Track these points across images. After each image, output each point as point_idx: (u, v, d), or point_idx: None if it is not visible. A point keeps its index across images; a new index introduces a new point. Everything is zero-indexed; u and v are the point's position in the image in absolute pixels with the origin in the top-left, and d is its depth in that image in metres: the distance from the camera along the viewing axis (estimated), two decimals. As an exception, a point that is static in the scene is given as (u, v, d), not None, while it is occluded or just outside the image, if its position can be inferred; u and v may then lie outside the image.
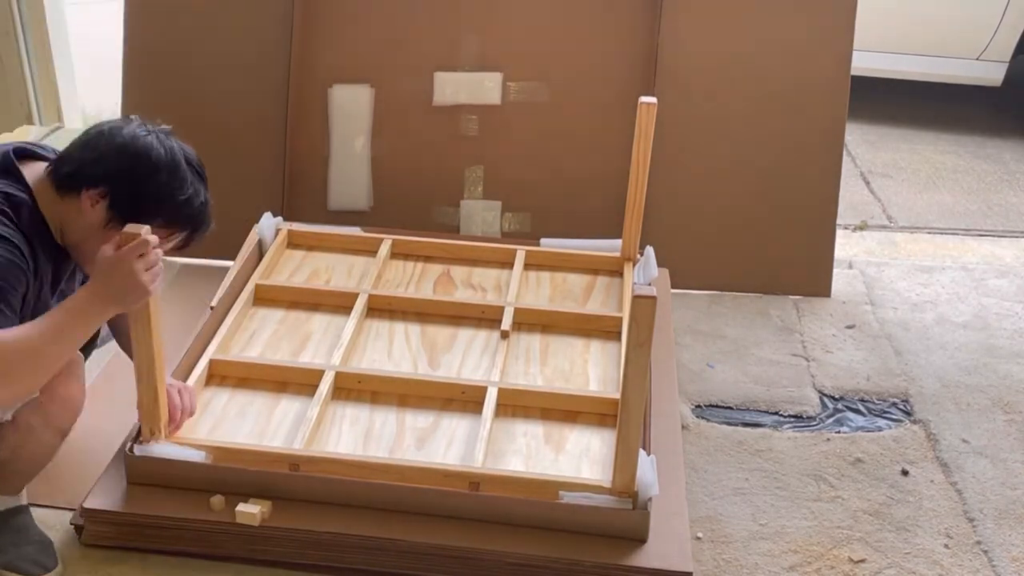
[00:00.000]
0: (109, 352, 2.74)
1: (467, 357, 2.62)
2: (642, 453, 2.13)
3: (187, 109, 3.32)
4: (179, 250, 2.16)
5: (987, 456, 2.69)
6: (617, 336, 2.71)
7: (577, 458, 2.30)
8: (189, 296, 3.08)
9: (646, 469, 2.13)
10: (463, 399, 2.45)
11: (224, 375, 2.49)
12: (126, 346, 2.30)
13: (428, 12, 3.26)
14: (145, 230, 1.92)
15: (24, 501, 2.20)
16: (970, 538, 2.42)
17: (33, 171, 2.04)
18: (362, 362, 2.58)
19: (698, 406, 2.85)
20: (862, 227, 4.02)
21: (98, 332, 2.35)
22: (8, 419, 2.00)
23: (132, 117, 2.14)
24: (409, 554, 2.14)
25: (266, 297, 2.80)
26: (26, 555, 2.12)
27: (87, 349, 2.38)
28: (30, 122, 3.65)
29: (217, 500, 2.14)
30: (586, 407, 2.44)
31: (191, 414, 2.29)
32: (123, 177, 2.00)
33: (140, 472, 2.19)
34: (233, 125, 3.32)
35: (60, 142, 3.28)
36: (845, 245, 3.70)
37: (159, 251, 1.96)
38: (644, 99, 2.72)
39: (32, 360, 1.84)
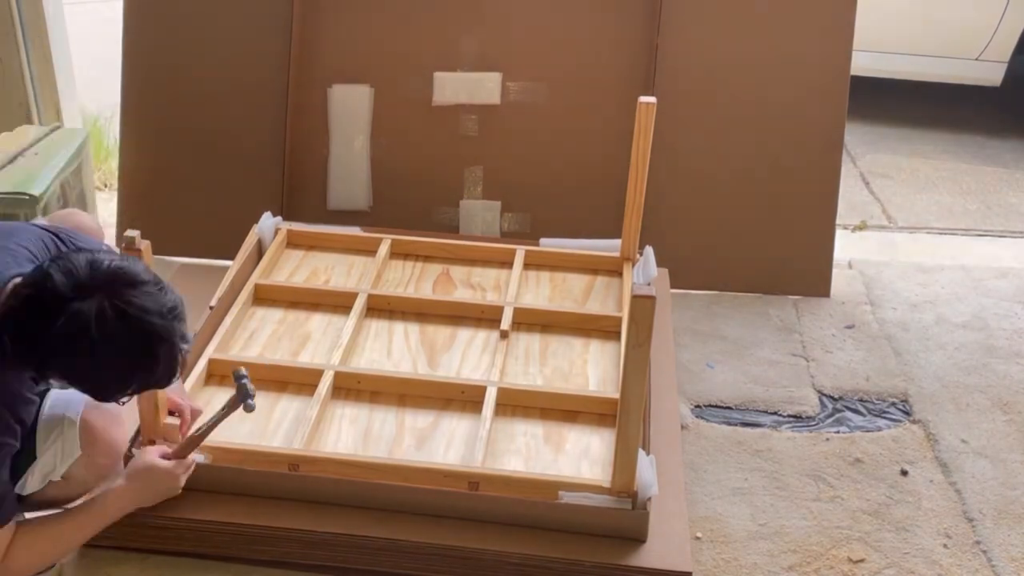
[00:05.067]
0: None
1: (466, 357, 2.62)
2: (641, 453, 2.13)
3: (186, 109, 3.32)
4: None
5: (986, 456, 2.69)
6: (616, 336, 2.71)
7: (577, 458, 2.30)
8: (189, 296, 3.04)
9: (645, 469, 2.13)
10: (463, 399, 2.45)
11: (223, 375, 2.49)
12: None
13: (428, 12, 3.26)
14: (191, 460, 2.12)
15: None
16: (969, 538, 2.42)
17: None
18: (361, 362, 2.58)
19: (697, 406, 2.85)
20: (862, 227, 4.02)
21: None
22: (59, 479, 2.03)
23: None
24: (409, 554, 2.14)
25: (265, 297, 2.80)
26: None
27: None
28: (29, 122, 3.65)
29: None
30: (585, 407, 2.44)
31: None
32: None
33: (140, 472, 2.19)
34: (233, 125, 3.32)
35: (59, 141, 3.31)
36: (845, 245, 3.70)
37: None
38: (644, 99, 2.72)
39: (60, 548, 2.03)
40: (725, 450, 2.67)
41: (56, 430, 1.99)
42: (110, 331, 1.73)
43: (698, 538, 2.36)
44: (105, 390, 1.84)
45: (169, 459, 2.09)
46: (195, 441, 2.11)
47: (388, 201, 3.37)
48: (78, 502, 2.08)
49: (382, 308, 2.78)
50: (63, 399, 2.03)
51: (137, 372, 1.81)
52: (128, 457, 2.17)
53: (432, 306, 2.79)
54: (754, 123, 3.30)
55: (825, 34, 3.25)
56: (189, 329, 1.95)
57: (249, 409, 2.09)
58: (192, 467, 2.14)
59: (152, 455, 2.09)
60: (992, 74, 4.90)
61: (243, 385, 2.07)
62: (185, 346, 1.89)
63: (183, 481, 2.11)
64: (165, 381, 1.89)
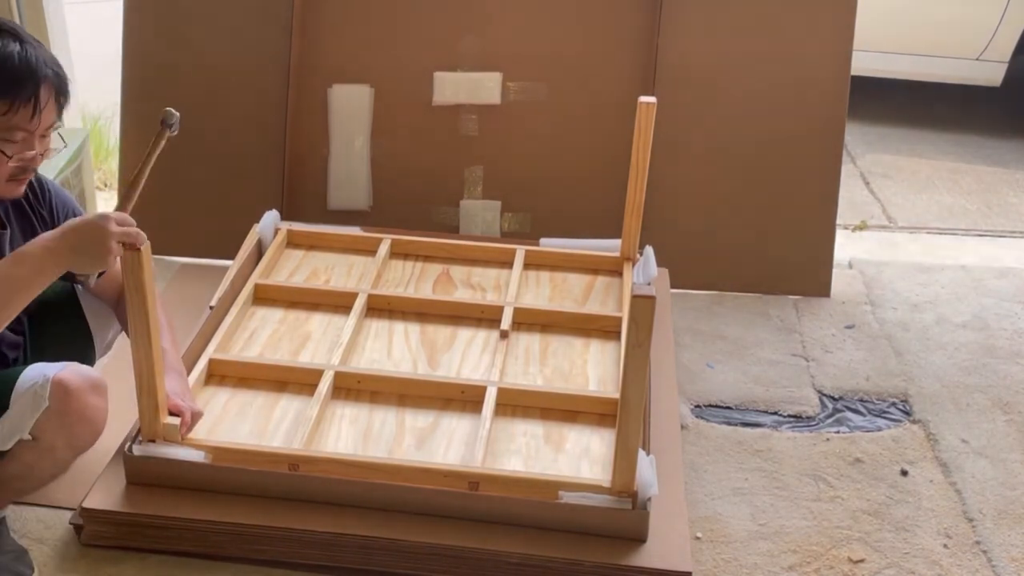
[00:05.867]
0: (108, 351, 2.74)
1: (466, 357, 2.62)
2: (641, 453, 2.13)
3: (186, 109, 3.29)
4: (57, 121, 2.07)
5: (986, 456, 2.69)
6: (617, 336, 2.71)
7: (577, 458, 2.30)
8: (189, 295, 3.08)
9: (645, 469, 2.13)
10: (463, 399, 2.45)
11: (223, 375, 2.49)
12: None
13: (428, 12, 3.27)
14: (128, 218, 1.97)
15: (2, 514, 2.20)
16: (969, 538, 2.42)
17: None
18: (361, 362, 2.58)
19: (698, 406, 2.85)
20: (862, 227, 4.02)
21: (91, 342, 2.37)
22: (28, 438, 2.00)
23: None
24: (409, 554, 2.14)
25: (266, 296, 2.80)
26: (2, 565, 2.11)
27: (90, 357, 2.38)
28: (30, 121, 3.65)
29: None
30: (585, 407, 2.44)
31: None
32: None
33: (139, 472, 2.19)
34: (233, 125, 3.32)
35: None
36: (845, 245, 3.70)
37: (141, 238, 1.94)
38: (644, 99, 2.72)
39: None
40: (725, 450, 2.67)
41: (31, 388, 1.98)
42: None
43: (698, 538, 2.36)
44: None
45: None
46: (132, 190, 2.02)
47: (388, 201, 3.37)
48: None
49: (382, 308, 2.78)
50: (42, 366, 2.02)
51: None
52: (128, 454, 2.18)
53: (432, 306, 2.79)
54: (754, 123, 3.30)
55: (825, 34, 3.25)
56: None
57: (173, 130, 2.09)
58: (134, 233, 1.94)
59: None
60: (992, 74, 4.90)
61: (168, 112, 2.07)
62: (55, 73, 1.99)
63: (117, 230, 1.90)
64: (29, 90, 1.93)
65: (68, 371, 2.00)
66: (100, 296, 2.35)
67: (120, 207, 2.01)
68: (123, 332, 2.39)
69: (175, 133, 2.11)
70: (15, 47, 1.96)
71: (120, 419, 2.30)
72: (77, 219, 1.96)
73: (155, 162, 2.08)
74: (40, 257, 1.90)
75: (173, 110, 2.10)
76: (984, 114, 5.22)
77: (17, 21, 3.57)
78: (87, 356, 2.36)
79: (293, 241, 3.07)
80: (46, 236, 1.93)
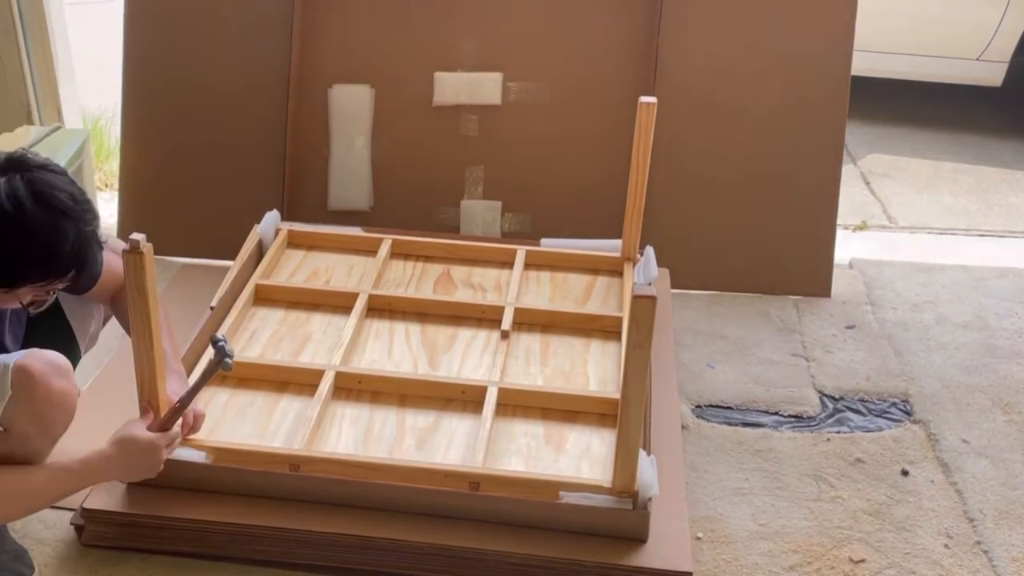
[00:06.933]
0: (108, 352, 2.74)
1: (467, 357, 2.62)
2: (642, 453, 2.13)
3: (187, 109, 3.32)
4: (70, 290, 2.12)
5: (987, 456, 2.69)
6: (617, 336, 2.71)
7: (577, 458, 2.30)
8: (189, 296, 3.08)
9: (646, 469, 2.13)
10: (463, 399, 2.45)
11: (223, 375, 2.48)
12: (127, 324, 2.29)
13: (428, 12, 3.26)
14: (175, 432, 2.10)
15: None
16: (970, 538, 2.42)
17: None
18: (362, 362, 2.58)
19: (698, 406, 2.85)
20: (862, 227, 4.02)
21: (70, 338, 2.37)
22: (1, 431, 1.99)
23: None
24: (409, 554, 2.14)
25: (266, 297, 2.80)
26: (2, 564, 2.11)
27: (75, 351, 2.38)
28: (30, 122, 3.65)
29: None
30: (586, 407, 2.44)
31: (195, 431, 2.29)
32: None
33: (140, 472, 2.19)
34: (233, 125, 3.32)
35: (60, 141, 3.31)
36: (845, 245, 3.70)
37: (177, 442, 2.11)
38: (644, 99, 2.72)
39: (28, 502, 2.03)
40: (726, 450, 2.67)
41: None
42: (19, 204, 1.83)
43: (699, 538, 2.36)
44: (8, 270, 1.88)
45: (152, 431, 2.08)
46: (177, 411, 2.10)
47: (389, 201, 3.37)
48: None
49: (383, 308, 2.78)
50: (3, 356, 2.00)
51: (43, 253, 1.88)
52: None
53: (433, 306, 2.79)
54: (755, 123, 3.30)
55: (825, 34, 3.25)
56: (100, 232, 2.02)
57: (227, 368, 2.06)
58: (176, 441, 2.13)
59: (137, 426, 2.07)
60: (992, 74, 4.90)
61: (221, 348, 2.05)
62: (97, 242, 1.98)
63: (165, 455, 2.10)
64: (72, 271, 1.94)
65: (29, 357, 1.97)
66: (94, 299, 2.34)
67: (163, 426, 2.10)
68: (116, 328, 2.40)
69: (230, 361, 2.09)
70: (72, 231, 1.91)
71: (121, 419, 2.30)
72: (130, 438, 2.05)
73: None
74: (93, 477, 2.07)
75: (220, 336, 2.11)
76: (984, 114, 5.22)
77: (17, 21, 3.56)
78: (72, 351, 2.35)
79: (294, 241, 3.07)
80: (100, 461, 2.04)
